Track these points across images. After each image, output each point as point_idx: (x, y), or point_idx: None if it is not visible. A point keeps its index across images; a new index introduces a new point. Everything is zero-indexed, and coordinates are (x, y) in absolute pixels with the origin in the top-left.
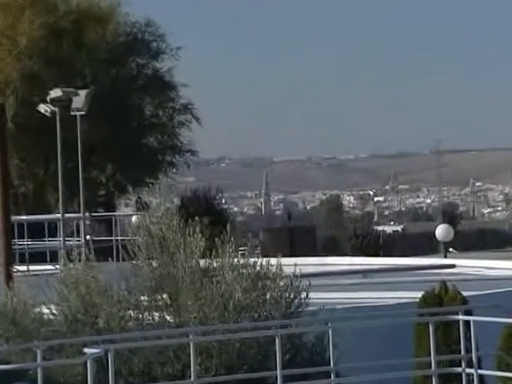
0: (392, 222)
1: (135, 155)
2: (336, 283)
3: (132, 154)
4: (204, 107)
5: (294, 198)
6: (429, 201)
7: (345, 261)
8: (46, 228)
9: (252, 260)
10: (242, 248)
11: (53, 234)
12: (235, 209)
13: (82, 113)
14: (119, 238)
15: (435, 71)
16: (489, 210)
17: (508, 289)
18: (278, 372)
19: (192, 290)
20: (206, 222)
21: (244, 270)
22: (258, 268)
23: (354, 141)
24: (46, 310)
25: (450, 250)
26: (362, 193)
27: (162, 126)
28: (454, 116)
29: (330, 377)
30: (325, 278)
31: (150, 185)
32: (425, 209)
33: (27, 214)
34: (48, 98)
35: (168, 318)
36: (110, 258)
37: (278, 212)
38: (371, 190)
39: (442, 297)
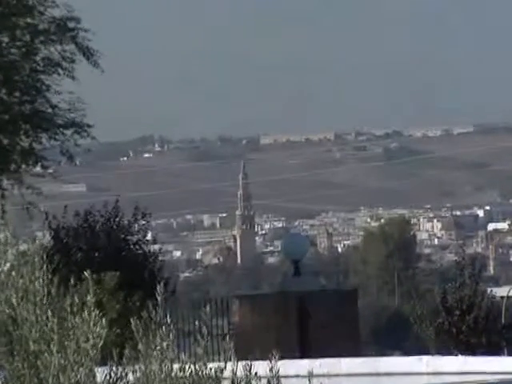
0: None
1: None
2: None
3: None
4: (107, 32)
5: (308, 225)
6: None
7: (423, 366)
8: None
9: (213, 366)
10: (190, 340)
11: None
12: (177, 253)
13: None
14: None
15: None
16: None
17: None
18: None
19: None
20: (112, 284)
21: None
22: None
23: (439, 98)
24: None
25: None
26: (458, 213)
27: (7, 70)
28: None
29: None
30: None
31: None
32: None
33: None
34: None
35: None
36: None
37: (271, 258)
38: (480, 208)
39: None
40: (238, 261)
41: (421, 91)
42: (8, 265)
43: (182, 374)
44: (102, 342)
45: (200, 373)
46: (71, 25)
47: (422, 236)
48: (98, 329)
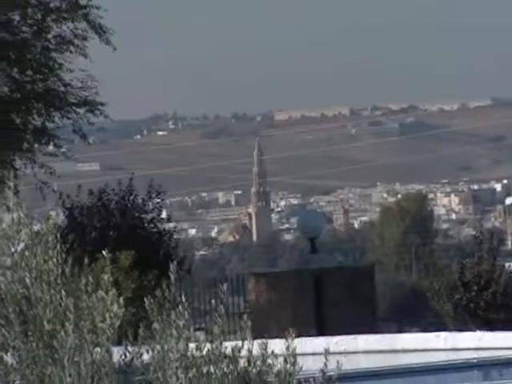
0: None
1: None
2: None
3: None
4: (117, 10)
5: (324, 202)
6: None
7: (441, 342)
8: None
9: (229, 344)
10: (206, 318)
11: None
12: (192, 231)
13: None
14: None
15: None
16: None
17: None
18: None
19: None
20: (127, 262)
21: (212, 368)
22: (242, 362)
23: (452, 68)
24: None
25: None
26: (476, 187)
27: (18, 48)
28: None
29: None
30: (396, 382)
31: None
32: None
33: None
34: None
35: None
36: None
37: (287, 236)
38: (498, 182)
39: None
40: (254, 238)
41: (437, 64)
42: (22, 245)
43: (198, 353)
44: (119, 321)
45: (216, 352)
46: (83, 2)
47: (440, 211)
48: (115, 308)
